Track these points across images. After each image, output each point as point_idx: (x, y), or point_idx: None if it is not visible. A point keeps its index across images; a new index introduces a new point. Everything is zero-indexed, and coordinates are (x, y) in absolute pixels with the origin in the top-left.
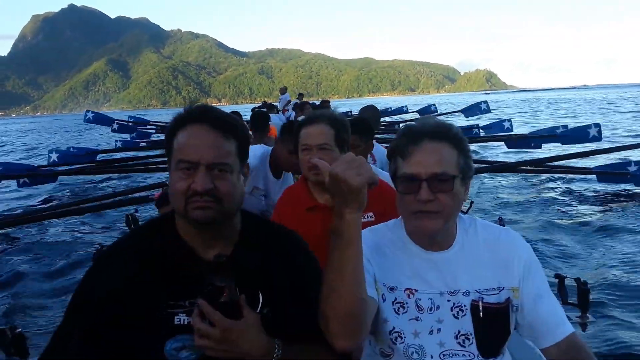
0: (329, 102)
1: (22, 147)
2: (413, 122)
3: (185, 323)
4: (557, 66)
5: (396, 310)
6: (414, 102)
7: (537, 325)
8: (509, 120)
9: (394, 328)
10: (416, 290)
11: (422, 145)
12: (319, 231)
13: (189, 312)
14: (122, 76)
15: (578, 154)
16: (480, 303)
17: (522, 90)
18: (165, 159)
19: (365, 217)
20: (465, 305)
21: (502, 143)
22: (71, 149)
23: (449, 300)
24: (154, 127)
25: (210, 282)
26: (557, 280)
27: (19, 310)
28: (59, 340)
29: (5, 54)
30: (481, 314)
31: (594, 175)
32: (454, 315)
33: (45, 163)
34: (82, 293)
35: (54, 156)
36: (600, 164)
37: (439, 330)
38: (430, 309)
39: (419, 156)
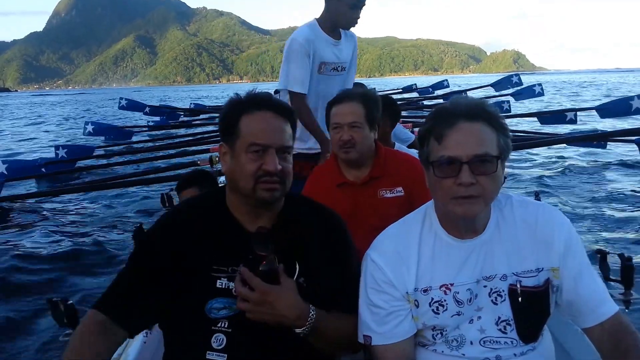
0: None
1: (59, 121)
2: (443, 102)
3: (226, 287)
4: (590, 48)
5: (435, 310)
6: (430, 81)
7: (578, 305)
8: (539, 84)
9: (435, 327)
10: (452, 285)
11: (458, 126)
12: (348, 207)
13: (231, 278)
14: (149, 52)
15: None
16: (518, 287)
17: (552, 72)
18: (193, 138)
19: (395, 191)
20: (503, 290)
21: (535, 119)
22: (104, 125)
23: (485, 286)
24: (182, 112)
25: (253, 251)
26: (598, 256)
27: (65, 282)
28: (121, 279)
29: (41, 29)
30: (520, 298)
31: (634, 144)
32: (492, 301)
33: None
34: (143, 244)
35: (89, 127)
36: None
37: (479, 318)
38: (470, 300)
39: (457, 137)
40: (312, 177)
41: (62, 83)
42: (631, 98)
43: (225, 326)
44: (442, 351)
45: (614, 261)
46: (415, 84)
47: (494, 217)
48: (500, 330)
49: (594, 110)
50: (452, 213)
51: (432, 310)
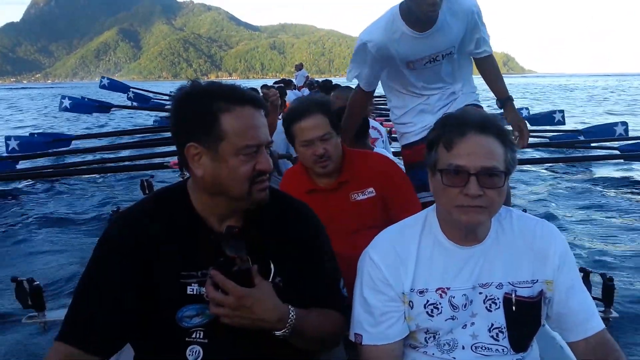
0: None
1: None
2: (453, 112)
3: (198, 293)
4: (582, 51)
5: (429, 312)
6: None
7: (567, 318)
8: (561, 111)
9: (428, 329)
10: (448, 289)
11: (468, 137)
12: (321, 213)
13: (202, 282)
14: (133, 46)
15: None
16: (513, 296)
17: (542, 75)
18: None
19: (366, 192)
20: (498, 298)
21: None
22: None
23: (480, 293)
24: (169, 97)
25: (223, 252)
26: (581, 274)
27: (34, 263)
28: (81, 300)
29: (18, 20)
30: (514, 307)
31: (622, 160)
32: (486, 308)
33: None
34: (100, 257)
35: (66, 102)
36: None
37: (472, 324)
38: (465, 305)
39: (467, 148)
40: (283, 181)
41: (41, 76)
42: (615, 124)
43: (201, 337)
44: (433, 354)
45: (596, 280)
46: None
47: (493, 228)
48: (492, 337)
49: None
50: (456, 220)
51: (427, 312)
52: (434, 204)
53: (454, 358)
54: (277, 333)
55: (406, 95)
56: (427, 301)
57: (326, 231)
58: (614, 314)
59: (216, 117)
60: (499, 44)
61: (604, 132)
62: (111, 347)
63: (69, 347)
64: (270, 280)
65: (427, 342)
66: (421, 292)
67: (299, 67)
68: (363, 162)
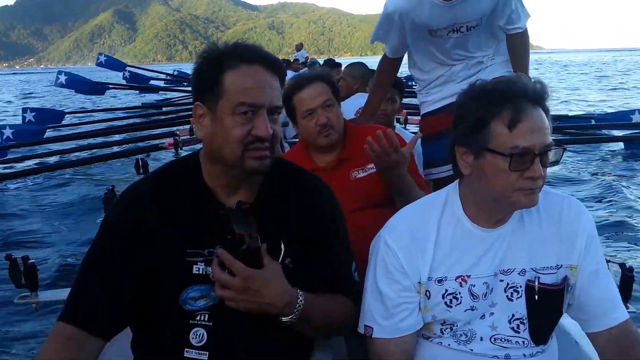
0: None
1: None
2: (502, 81)
3: (204, 273)
4: (589, 26)
5: (448, 303)
6: None
7: (589, 307)
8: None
9: (445, 321)
10: (469, 276)
11: (529, 112)
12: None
13: (208, 262)
14: (128, 29)
15: None
16: (536, 283)
17: (548, 52)
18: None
19: (367, 169)
20: (520, 286)
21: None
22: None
23: (502, 281)
24: (164, 76)
25: (232, 230)
26: None
27: (27, 244)
28: (84, 280)
29: (12, 3)
30: (536, 296)
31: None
32: (507, 297)
33: None
34: (104, 234)
35: (62, 78)
36: None
37: (491, 314)
38: (485, 295)
39: (529, 125)
40: None
41: (34, 61)
42: (632, 112)
43: (205, 319)
44: (449, 344)
45: (614, 270)
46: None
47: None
48: (512, 328)
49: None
50: (512, 204)
51: (445, 303)
52: (456, 182)
53: (472, 350)
54: (284, 319)
55: (430, 65)
56: (446, 290)
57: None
58: (632, 309)
59: (222, 73)
60: None
61: (619, 119)
62: (114, 328)
63: (71, 327)
64: (279, 261)
65: (442, 333)
66: (440, 281)
67: (299, 48)
68: (364, 136)
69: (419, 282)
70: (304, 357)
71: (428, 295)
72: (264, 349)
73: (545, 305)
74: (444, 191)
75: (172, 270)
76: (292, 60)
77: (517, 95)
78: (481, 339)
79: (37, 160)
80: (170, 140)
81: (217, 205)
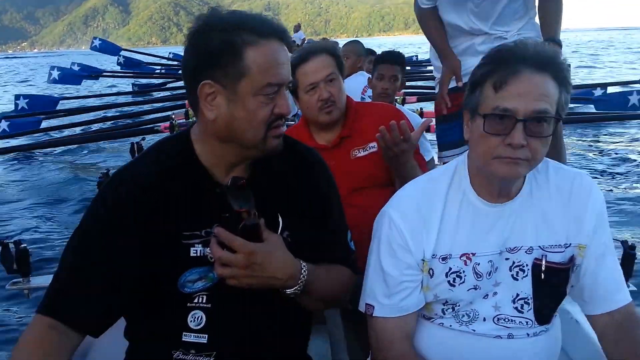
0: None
1: None
2: (508, 43)
3: (202, 254)
4: (591, 5)
5: (451, 282)
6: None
7: (593, 289)
8: None
9: (447, 301)
10: (473, 254)
11: (522, 75)
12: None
13: (205, 243)
14: (122, 11)
15: None
16: (543, 262)
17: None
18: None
19: (368, 148)
20: (526, 265)
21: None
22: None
23: (507, 259)
24: (159, 62)
25: (229, 207)
26: None
27: (21, 227)
28: (70, 268)
29: None
30: (542, 275)
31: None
32: (512, 276)
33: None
34: (96, 215)
35: (54, 74)
36: None
37: (495, 294)
38: (489, 273)
39: (518, 88)
40: None
41: (27, 45)
42: (630, 93)
43: (204, 301)
44: (450, 325)
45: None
46: (417, 56)
47: (527, 182)
48: (516, 309)
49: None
50: (491, 173)
51: (449, 281)
52: (465, 155)
53: (474, 330)
54: (288, 291)
55: (453, 33)
56: (450, 269)
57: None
58: (632, 288)
59: (240, 50)
60: None
61: (616, 102)
62: (105, 322)
63: (51, 319)
64: (278, 234)
65: (444, 314)
66: (444, 259)
67: (297, 29)
68: (367, 114)
69: (423, 260)
70: (303, 336)
71: (431, 273)
72: (263, 330)
73: (550, 285)
74: (453, 163)
75: (169, 254)
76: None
77: (516, 56)
78: (484, 320)
79: (31, 142)
80: (166, 123)
81: (212, 184)
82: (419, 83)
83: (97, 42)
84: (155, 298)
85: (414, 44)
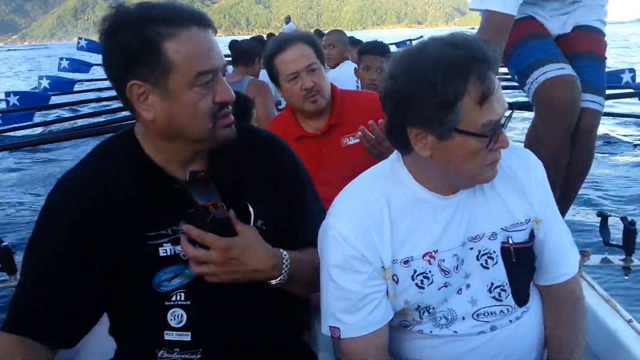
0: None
1: None
2: (456, 44)
3: (173, 253)
4: None
5: (419, 284)
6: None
7: (541, 260)
8: (632, 70)
9: (419, 305)
10: (436, 252)
11: (493, 80)
12: (312, 161)
13: (175, 241)
14: (112, 3)
15: None
16: (511, 245)
17: None
18: None
19: (358, 135)
20: (494, 251)
21: None
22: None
23: (472, 249)
24: None
25: (193, 202)
26: (599, 219)
27: (4, 224)
28: (32, 280)
29: None
30: (514, 258)
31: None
32: (482, 265)
33: None
34: (45, 226)
35: (64, 63)
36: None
37: (468, 286)
38: (456, 267)
39: (497, 95)
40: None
41: (18, 38)
42: (622, 71)
43: (182, 299)
44: (431, 331)
45: (615, 225)
46: (410, 40)
47: None
48: (494, 297)
49: None
50: (483, 181)
51: (416, 284)
52: (397, 154)
53: (455, 332)
54: (273, 282)
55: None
56: (415, 271)
57: (317, 179)
58: (636, 262)
59: (157, 45)
60: None
61: (609, 79)
62: (77, 334)
63: (16, 336)
64: (251, 224)
65: (421, 319)
66: (406, 262)
67: (287, 21)
68: (355, 101)
69: (383, 267)
70: (296, 325)
71: (396, 279)
72: (250, 323)
73: (522, 265)
74: (387, 162)
75: (136, 257)
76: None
77: (478, 58)
78: (463, 318)
79: (19, 137)
80: None
81: (168, 180)
82: None
83: (83, 42)
84: (133, 299)
85: (411, 37)
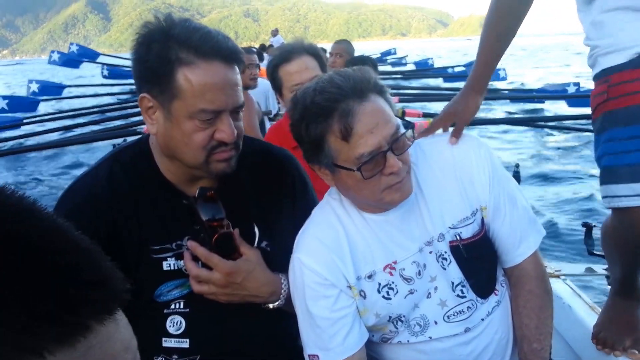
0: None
1: None
2: (321, 87)
3: (176, 268)
4: (558, 10)
5: (385, 295)
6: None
7: (498, 243)
8: (504, 69)
9: (390, 317)
10: (395, 262)
11: (356, 113)
12: (308, 169)
13: (178, 256)
14: (102, 18)
15: None
16: (459, 242)
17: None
18: None
19: None
20: (445, 252)
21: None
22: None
23: (430, 252)
24: None
25: (199, 219)
26: (584, 229)
27: None
28: None
29: None
30: (464, 254)
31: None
32: (441, 267)
33: None
34: None
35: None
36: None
37: (436, 288)
38: (419, 273)
39: (366, 125)
40: (268, 138)
41: (8, 53)
42: (567, 84)
43: (181, 307)
44: (408, 340)
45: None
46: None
47: (412, 175)
48: (458, 295)
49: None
50: (387, 204)
51: (383, 296)
52: (331, 190)
53: (430, 337)
54: (270, 306)
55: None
56: (379, 284)
57: (314, 187)
58: (600, 271)
59: (172, 69)
60: (477, 6)
61: (557, 92)
62: None
63: None
64: (255, 245)
65: (396, 329)
66: (370, 277)
67: (275, 33)
68: None
69: (349, 287)
70: (287, 331)
71: (363, 294)
72: (247, 331)
73: (476, 259)
74: (326, 200)
75: (139, 269)
76: (267, 46)
77: (339, 98)
78: (435, 323)
79: (10, 144)
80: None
81: (177, 194)
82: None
83: (55, 56)
84: (132, 308)
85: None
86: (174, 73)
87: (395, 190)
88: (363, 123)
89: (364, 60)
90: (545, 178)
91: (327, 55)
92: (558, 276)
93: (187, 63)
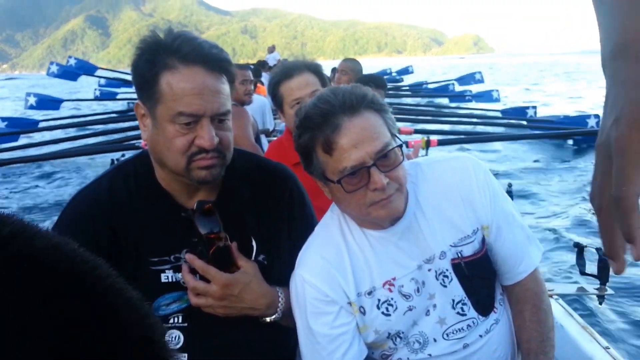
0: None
1: None
2: (316, 102)
3: (173, 280)
4: (551, 30)
5: (385, 312)
6: (401, 64)
7: (498, 262)
8: (497, 90)
9: (389, 333)
10: (394, 279)
11: (341, 128)
12: (308, 186)
13: (176, 268)
14: (101, 34)
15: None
16: (461, 260)
17: (509, 55)
18: None
19: None
20: (447, 269)
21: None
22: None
23: (430, 270)
24: None
25: (196, 232)
26: (576, 250)
27: None
28: None
29: None
30: (466, 271)
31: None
32: (441, 284)
33: None
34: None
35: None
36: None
37: (434, 306)
38: (418, 290)
39: (349, 141)
40: (269, 154)
41: (8, 67)
42: (527, 107)
43: (180, 321)
44: (407, 358)
45: (591, 255)
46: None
47: (411, 193)
48: (458, 313)
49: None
50: (374, 220)
51: (382, 312)
52: (333, 206)
53: (430, 355)
54: (267, 319)
55: None
56: (379, 300)
57: (314, 204)
58: (610, 291)
59: (157, 74)
60: (470, 26)
61: (518, 113)
62: None
63: None
64: (252, 258)
65: (395, 346)
66: (370, 293)
67: (271, 50)
68: None
69: (349, 303)
70: (285, 345)
71: (363, 311)
72: (245, 345)
73: (477, 277)
74: (331, 214)
75: (138, 281)
76: (263, 61)
77: (328, 113)
78: (435, 340)
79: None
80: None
81: (176, 207)
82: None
83: (54, 68)
84: None
85: (394, 66)
86: (158, 78)
87: (381, 207)
88: (348, 138)
89: (367, 79)
90: (534, 195)
91: (331, 71)
92: (551, 296)
93: (170, 67)
